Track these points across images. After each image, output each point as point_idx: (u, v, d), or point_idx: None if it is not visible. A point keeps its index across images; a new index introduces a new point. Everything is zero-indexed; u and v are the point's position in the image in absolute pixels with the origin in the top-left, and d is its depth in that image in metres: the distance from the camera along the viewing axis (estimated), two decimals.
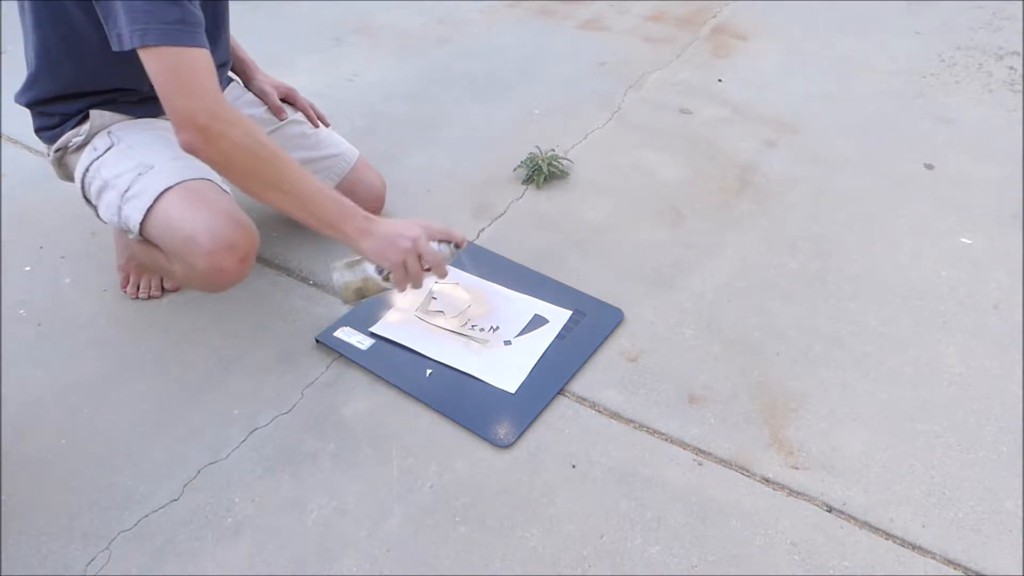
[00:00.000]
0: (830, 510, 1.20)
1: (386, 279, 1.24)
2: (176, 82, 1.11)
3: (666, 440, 1.30)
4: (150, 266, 1.47)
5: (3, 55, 2.38)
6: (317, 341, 1.44)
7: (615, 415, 1.34)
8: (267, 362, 1.42)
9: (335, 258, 1.30)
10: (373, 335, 1.45)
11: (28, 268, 1.61)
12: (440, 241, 1.25)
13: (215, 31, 1.36)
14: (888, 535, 1.16)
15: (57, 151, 1.38)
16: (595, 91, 2.32)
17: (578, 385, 1.39)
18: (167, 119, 1.41)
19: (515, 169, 1.93)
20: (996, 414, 1.35)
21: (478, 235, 1.73)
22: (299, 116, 1.63)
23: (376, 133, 2.07)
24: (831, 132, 2.15)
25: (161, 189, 1.26)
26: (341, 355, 1.42)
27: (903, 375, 1.43)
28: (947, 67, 2.49)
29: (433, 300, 1.53)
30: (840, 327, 1.52)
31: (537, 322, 1.49)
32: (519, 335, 1.46)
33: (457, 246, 1.27)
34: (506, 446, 1.27)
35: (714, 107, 2.25)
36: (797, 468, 1.26)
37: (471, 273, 1.58)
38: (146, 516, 1.17)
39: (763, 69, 2.46)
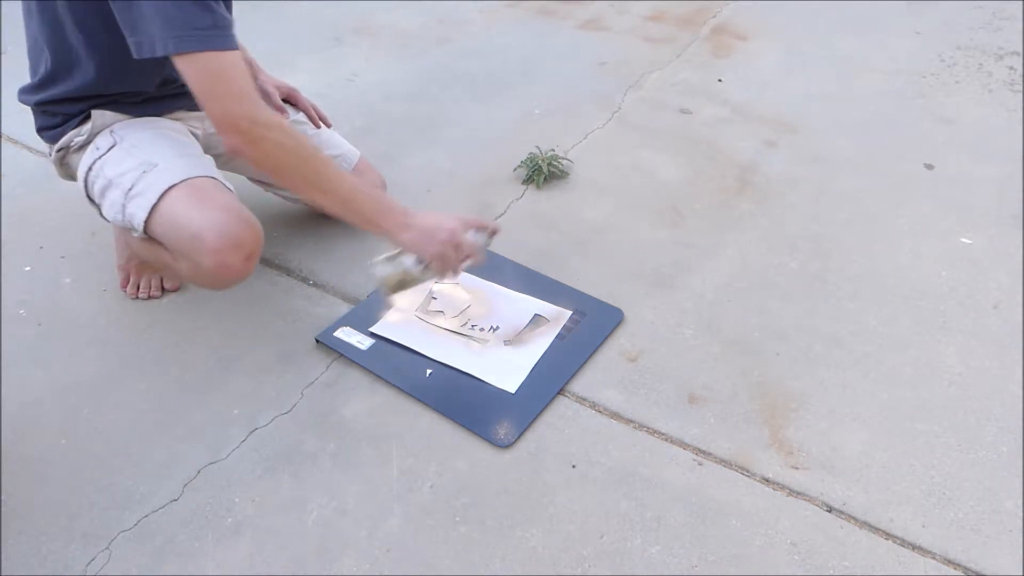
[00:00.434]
0: (830, 510, 1.20)
1: (425, 270, 1.28)
2: (216, 87, 1.12)
3: (666, 440, 1.30)
4: (154, 264, 1.47)
5: (3, 55, 2.38)
6: (317, 341, 1.44)
7: (615, 415, 1.34)
8: (267, 362, 1.42)
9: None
10: (373, 335, 1.45)
11: (28, 268, 1.61)
12: (476, 230, 1.30)
13: None
14: (888, 535, 1.16)
15: (59, 150, 1.38)
16: (595, 91, 2.32)
17: (578, 385, 1.39)
18: (168, 118, 1.43)
19: (515, 169, 1.93)
20: (996, 414, 1.35)
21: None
22: (301, 116, 1.64)
23: (376, 133, 2.07)
24: (831, 132, 2.15)
25: (165, 187, 1.26)
26: (341, 355, 1.42)
27: (903, 375, 1.43)
28: (947, 67, 2.49)
29: (433, 300, 1.53)
30: (840, 327, 1.52)
31: (537, 322, 1.49)
32: (519, 335, 1.46)
33: (493, 233, 1.33)
34: (506, 446, 1.27)
35: (714, 107, 2.25)
36: (797, 468, 1.26)
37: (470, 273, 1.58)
38: (146, 516, 1.17)
39: (763, 69, 2.46)
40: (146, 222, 1.28)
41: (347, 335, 1.44)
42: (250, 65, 1.63)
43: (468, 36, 2.64)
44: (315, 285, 1.58)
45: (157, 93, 1.39)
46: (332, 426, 1.31)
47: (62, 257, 1.63)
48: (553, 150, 1.95)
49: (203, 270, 1.26)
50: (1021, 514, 1.19)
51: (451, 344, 1.44)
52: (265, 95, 1.60)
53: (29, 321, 1.49)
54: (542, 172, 1.89)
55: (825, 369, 1.43)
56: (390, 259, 1.29)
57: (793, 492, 1.22)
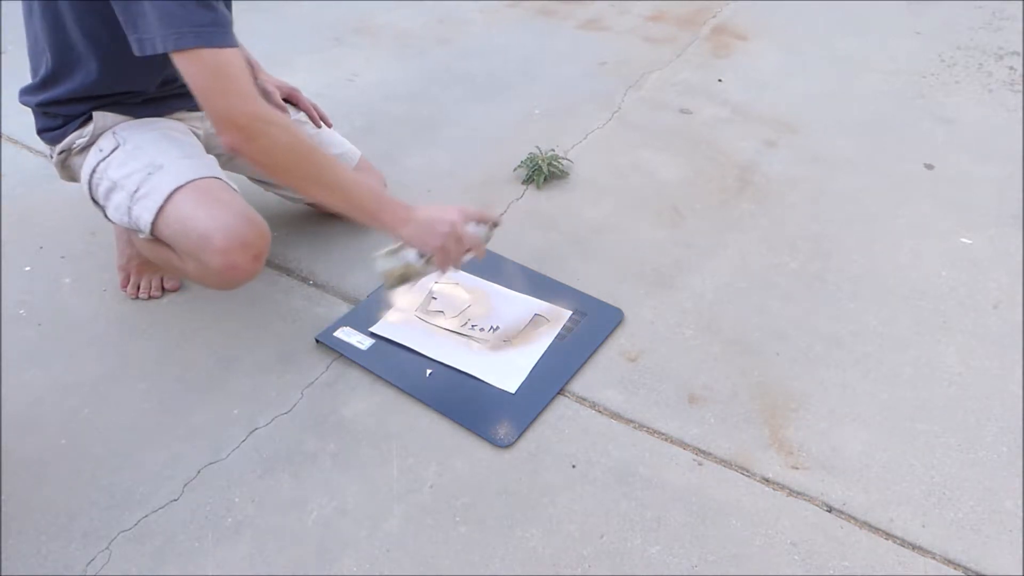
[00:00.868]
0: (830, 510, 1.20)
1: (427, 263, 1.27)
2: (215, 84, 1.11)
3: (666, 440, 1.30)
4: (160, 265, 1.47)
5: (3, 55, 2.38)
6: (317, 341, 1.44)
7: (615, 415, 1.34)
8: (267, 362, 1.42)
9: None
10: (373, 335, 1.45)
11: (28, 268, 1.61)
12: (477, 222, 1.29)
13: None
14: (888, 535, 1.16)
15: (61, 153, 1.38)
16: (595, 91, 2.32)
17: (578, 385, 1.39)
18: (169, 118, 1.43)
19: (515, 169, 1.93)
20: (996, 414, 1.35)
21: None
22: (302, 116, 1.64)
23: (376, 133, 2.07)
24: (831, 132, 2.15)
25: (172, 188, 1.26)
26: (341, 355, 1.42)
27: (903, 375, 1.43)
28: (947, 67, 2.49)
29: (433, 300, 1.53)
30: (840, 327, 1.52)
31: (537, 322, 1.49)
32: (519, 335, 1.46)
33: (494, 225, 1.32)
34: (506, 446, 1.27)
35: (714, 107, 2.25)
36: (797, 468, 1.26)
37: (470, 272, 1.58)
38: (146, 516, 1.17)
39: (763, 69, 2.46)
40: (153, 224, 1.28)
41: (347, 335, 1.44)
42: (251, 65, 1.63)
43: (468, 36, 2.64)
44: (315, 285, 1.58)
45: (158, 93, 1.39)
46: (332, 426, 1.31)
47: (62, 257, 1.63)
48: (553, 150, 1.95)
49: (211, 270, 1.26)
50: (1021, 514, 1.19)
51: (451, 344, 1.44)
52: (266, 95, 1.60)
53: (29, 321, 1.49)
54: (542, 172, 1.89)
55: (825, 369, 1.43)
56: (392, 253, 1.29)
57: (793, 492, 1.22)
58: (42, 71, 1.32)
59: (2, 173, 1.87)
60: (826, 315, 1.55)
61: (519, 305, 1.53)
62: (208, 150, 1.43)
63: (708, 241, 1.74)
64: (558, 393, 1.36)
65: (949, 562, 1.13)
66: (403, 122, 2.14)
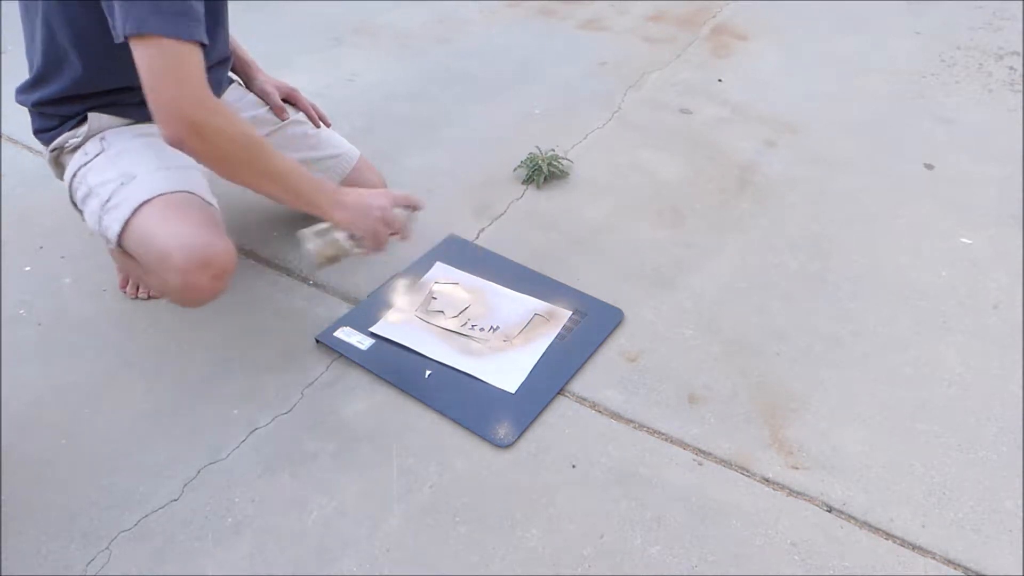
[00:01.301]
0: (830, 510, 1.20)
1: (357, 244, 1.30)
2: (165, 72, 1.09)
3: (666, 440, 1.30)
4: (130, 275, 1.47)
5: (3, 55, 2.38)
6: (317, 341, 1.44)
7: (615, 415, 1.34)
8: (267, 362, 1.41)
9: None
10: (373, 335, 1.45)
11: (28, 268, 1.61)
12: (404, 207, 1.34)
13: (213, 27, 1.35)
14: (888, 535, 1.16)
15: (53, 151, 1.38)
16: (595, 91, 2.32)
17: (578, 385, 1.39)
18: None
19: (515, 169, 1.93)
20: (996, 414, 1.35)
21: (478, 235, 1.73)
22: (301, 116, 1.63)
23: (376, 133, 2.07)
24: (831, 132, 2.15)
25: (140, 201, 1.25)
26: (341, 355, 1.42)
27: (903, 375, 1.43)
28: (947, 67, 2.49)
29: (433, 300, 1.53)
30: (840, 327, 1.52)
31: (537, 322, 1.49)
32: (519, 335, 1.46)
33: (415, 209, 1.37)
34: (506, 446, 1.27)
35: (714, 107, 2.25)
36: (797, 468, 1.26)
37: (471, 272, 1.58)
38: (146, 516, 1.17)
39: (763, 69, 2.46)
40: (120, 235, 1.26)
41: (347, 335, 1.44)
42: (250, 65, 1.63)
43: (468, 36, 2.64)
44: (315, 285, 1.58)
45: None
46: (332, 426, 1.31)
47: (62, 257, 1.63)
48: (553, 150, 1.95)
49: (170, 288, 1.25)
50: (1021, 514, 1.19)
51: (451, 344, 1.44)
52: (265, 95, 1.60)
53: (29, 321, 1.49)
54: (542, 172, 1.88)
55: (825, 369, 1.43)
56: (320, 233, 1.30)
57: (793, 492, 1.22)
58: (34, 70, 1.32)
59: (2, 173, 1.87)
60: (826, 315, 1.55)
61: (519, 305, 1.53)
62: None
63: (708, 241, 1.74)
64: (558, 393, 1.36)
65: (949, 562, 1.13)
66: (403, 122, 2.14)
